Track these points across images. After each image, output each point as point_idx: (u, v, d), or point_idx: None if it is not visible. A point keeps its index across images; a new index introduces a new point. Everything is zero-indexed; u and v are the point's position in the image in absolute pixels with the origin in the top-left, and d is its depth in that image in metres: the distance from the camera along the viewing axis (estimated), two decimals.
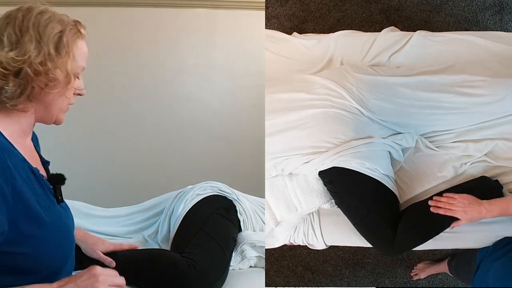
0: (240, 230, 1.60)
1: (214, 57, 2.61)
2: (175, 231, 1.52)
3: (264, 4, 2.25)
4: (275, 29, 1.86)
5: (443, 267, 1.90)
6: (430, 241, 1.38)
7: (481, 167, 1.44)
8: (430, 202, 1.34)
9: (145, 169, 2.63)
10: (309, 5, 2.19)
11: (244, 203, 1.64)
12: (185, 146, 2.63)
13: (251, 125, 2.54)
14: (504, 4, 2.10)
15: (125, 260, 1.30)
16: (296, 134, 1.43)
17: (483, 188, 1.35)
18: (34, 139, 1.05)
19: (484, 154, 1.44)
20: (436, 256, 1.99)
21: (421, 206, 1.40)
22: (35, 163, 0.92)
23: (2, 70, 0.84)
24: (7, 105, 0.85)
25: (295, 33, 1.74)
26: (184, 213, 1.52)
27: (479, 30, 2.06)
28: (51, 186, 0.93)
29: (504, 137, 1.44)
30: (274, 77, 1.62)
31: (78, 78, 0.96)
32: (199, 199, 1.56)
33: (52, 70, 0.87)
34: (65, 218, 0.94)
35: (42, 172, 0.94)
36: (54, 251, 0.87)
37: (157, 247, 1.57)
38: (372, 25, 2.14)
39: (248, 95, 2.58)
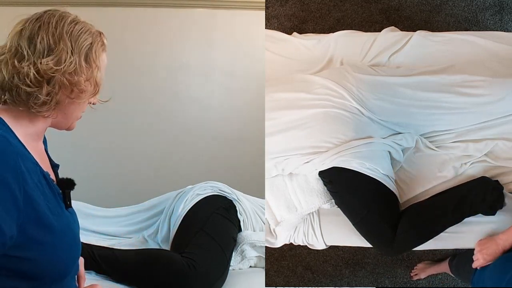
0: (240, 230, 1.60)
1: (214, 57, 2.61)
2: (175, 231, 1.52)
3: (264, 4, 2.25)
4: (275, 29, 1.86)
5: (443, 267, 1.90)
6: (430, 241, 1.38)
7: (481, 167, 1.44)
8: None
9: (145, 169, 2.64)
10: (309, 5, 2.19)
11: (244, 203, 1.64)
12: (185, 146, 2.63)
13: (251, 125, 2.54)
14: (504, 4, 2.10)
15: (125, 260, 1.30)
16: (296, 134, 1.43)
17: (483, 188, 1.35)
18: (44, 142, 1.04)
19: (484, 154, 1.44)
20: (436, 256, 1.99)
21: (421, 206, 1.40)
22: (46, 167, 0.91)
23: (38, 76, 0.83)
24: (33, 110, 0.84)
25: (295, 33, 1.74)
26: (184, 213, 1.52)
27: (479, 30, 2.06)
28: (60, 191, 0.92)
29: (504, 137, 1.44)
30: (274, 77, 1.62)
31: None
32: (199, 199, 1.57)
33: (82, 81, 0.88)
34: (72, 224, 0.92)
35: (52, 176, 0.93)
36: (61, 257, 0.86)
37: (157, 247, 1.58)
38: (372, 25, 2.14)
39: (248, 95, 2.58)
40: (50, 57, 0.84)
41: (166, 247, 1.54)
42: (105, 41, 0.97)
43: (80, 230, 0.98)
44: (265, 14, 2.18)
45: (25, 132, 0.87)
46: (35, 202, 0.79)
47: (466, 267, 1.58)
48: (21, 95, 0.83)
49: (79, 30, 0.90)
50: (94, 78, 0.91)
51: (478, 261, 1.32)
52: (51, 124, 0.94)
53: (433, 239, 1.37)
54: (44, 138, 1.03)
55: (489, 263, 1.30)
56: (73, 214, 0.95)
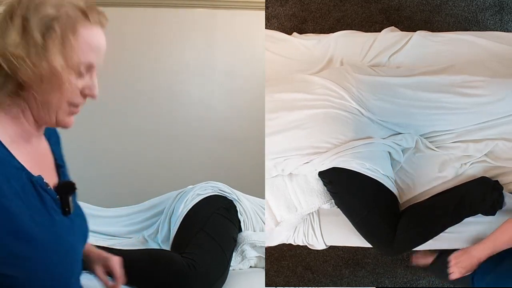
0: (240, 230, 1.60)
1: (214, 57, 2.61)
2: (175, 231, 1.52)
3: (264, 4, 2.25)
4: (275, 29, 1.86)
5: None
6: (429, 241, 1.38)
7: (481, 167, 1.44)
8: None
9: (145, 169, 2.63)
10: (309, 5, 2.19)
11: (245, 203, 1.64)
12: (185, 146, 2.63)
13: (251, 125, 2.54)
14: (504, 4, 2.10)
15: (125, 260, 1.30)
16: (296, 134, 1.43)
17: (483, 189, 1.35)
18: (54, 140, 0.94)
19: (484, 154, 1.43)
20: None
21: (421, 207, 1.40)
22: (41, 169, 0.81)
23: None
24: None
25: (295, 33, 1.74)
26: (185, 213, 1.52)
27: (479, 30, 2.06)
28: (57, 196, 0.82)
29: (504, 137, 1.44)
30: (274, 77, 1.62)
31: (84, 75, 0.80)
32: (200, 199, 1.57)
33: (36, 62, 0.72)
34: (67, 234, 0.81)
35: (50, 179, 0.82)
36: (50, 273, 0.76)
37: (157, 247, 1.58)
38: (372, 25, 2.14)
39: (248, 95, 2.58)
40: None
41: (166, 247, 1.54)
42: (95, 17, 0.81)
43: None
44: (265, 14, 2.18)
45: (11, 130, 0.76)
46: (12, 213, 0.69)
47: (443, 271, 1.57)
48: None
49: (38, 2, 0.74)
50: (51, 61, 0.73)
51: (454, 274, 1.33)
52: (40, 119, 0.80)
53: (432, 239, 1.37)
54: (56, 136, 0.97)
55: (465, 275, 1.32)
56: (74, 222, 0.85)
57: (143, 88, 2.59)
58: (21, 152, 0.77)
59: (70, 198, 0.85)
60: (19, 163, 0.75)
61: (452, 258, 1.35)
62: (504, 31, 2.00)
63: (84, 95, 0.80)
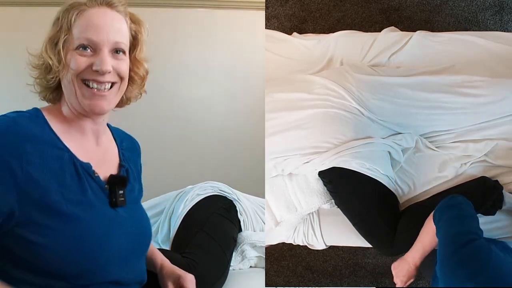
0: (240, 230, 1.60)
1: (214, 57, 2.61)
2: (175, 231, 1.52)
3: (264, 4, 2.25)
4: (275, 29, 1.86)
5: None
6: None
7: (481, 167, 1.44)
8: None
9: (144, 169, 2.63)
10: (309, 5, 2.19)
11: (244, 203, 1.64)
12: (185, 146, 2.63)
13: (251, 125, 2.54)
14: (504, 4, 2.10)
15: None
16: (296, 134, 1.43)
17: (483, 188, 1.35)
18: (127, 145, 1.05)
19: (484, 154, 1.44)
20: (434, 256, 1.99)
21: (421, 206, 1.40)
22: (95, 160, 0.89)
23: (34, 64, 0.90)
24: (41, 98, 0.92)
25: (295, 33, 1.75)
26: (185, 213, 1.52)
27: (479, 30, 2.06)
28: (106, 186, 0.89)
29: (504, 137, 1.44)
30: (274, 77, 1.62)
31: (90, 52, 0.87)
32: (199, 199, 1.56)
33: (50, 54, 0.87)
34: (106, 224, 0.85)
35: (104, 171, 0.90)
36: (77, 249, 0.79)
37: (157, 247, 1.57)
38: (372, 25, 2.14)
39: (248, 95, 2.58)
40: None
41: (166, 247, 1.54)
42: (91, 2, 0.88)
43: None
44: (265, 14, 2.18)
45: (69, 128, 0.88)
46: (39, 184, 0.77)
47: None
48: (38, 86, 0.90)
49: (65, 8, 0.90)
50: (47, 39, 0.87)
51: (397, 284, 1.34)
52: (75, 110, 0.89)
53: None
54: (132, 144, 1.10)
55: (408, 283, 1.33)
56: (121, 217, 0.89)
57: None
58: (74, 141, 0.86)
59: (120, 192, 0.90)
60: (64, 145, 0.84)
61: (393, 269, 1.36)
62: (504, 31, 2.00)
63: (95, 71, 0.86)
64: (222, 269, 1.39)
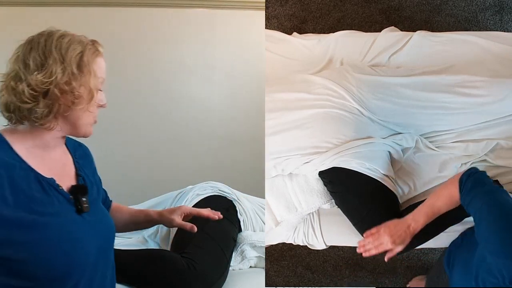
0: (240, 230, 1.60)
1: (214, 57, 2.61)
2: (175, 231, 1.52)
3: (264, 4, 2.25)
4: (275, 29, 1.86)
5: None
6: (429, 240, 1.38)
7: (481, 167, 1.44)
8: (358, 250, 1.28)
9: (145, 169, 2.63)
10: (309, 5, 2.19)
11: (244, 203, 1.64)
12: (185, 146, 2.63)
13: (251, 125, 2.54)
14: (504, 4, 2.10)
15: (125, 260, 1.30)
16: (297, 134, 1.43)
17: None
18: (80, 154, 1.11)
19: (484, 154, 1.44)
20: (436, 255, 1.99)
21: None
22: (57, 174, 0.96)
23: (32, 92, 0.90)
24: (36, 124, 0.92)
25: (295, 33, 1.75)
26: None
27: (479, 30, 2.06)
28: (71, 196, 0.97)
29: (504, 137, 1.44)
30: (274, 77, 1.62)
31: (100, 91, 1.01)
32: (199, 200, 1.56)
33: (77, 88, 0.93)
34: (76, 230, 0.94)
35: (66, 182, 0.98)
36: (56, 257, 0.88)
37: (157, 247, 1.57)
38: (372, 25, 2.14)
39: (248, 95, 2.58)
40: (42, 73, 0.91)
41: (166, 247, 1.54)
42: (99, 48, 1.01)
43: None
44: (265, 14, 2.18)
45: (30, 142, 0.94)
46: (11, 204, 0.84)
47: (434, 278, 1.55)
48: (23, 111, 0.91)
49: (68, 42, 0.95)
50: (87, 83, 0.96)
51: (387, 245, 1.23)
52: (65, 133, 0.99)
53: (432, 238, 1.37)
54: (82, 150, 1.14)
55: (397, 249, 1.24)
56: (88, 222, 0.97)
57: (142, 88, 2.59)
58: (35, 159, 0.93)
59: (84, 199, 0.99)
60: (28, 165, 0.91)
61: (386, 226, 1.25)
62: (504, 31, 2.00)
63: (98, 107, 1.02)
64: (221, 269, 1.39)
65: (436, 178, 1.44)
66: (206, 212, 1.29)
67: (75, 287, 0.92)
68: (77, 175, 1.05)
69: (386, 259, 1.28)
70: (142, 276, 1.29)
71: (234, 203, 1.62)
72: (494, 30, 2.07)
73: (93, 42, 1.01)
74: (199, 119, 2.63)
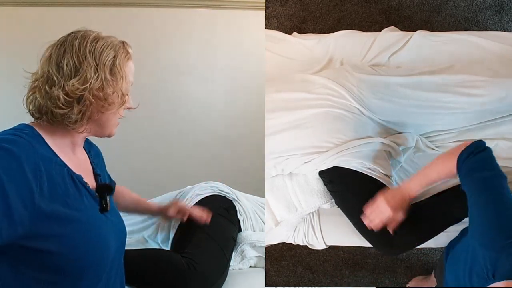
0: (240, 230, 1.60)
1: (214, 57, 2.61)
2: (175, 231, 1.52)
3: (264, 4, 2.25)
4: (275, 29, 1.86)
5: (432, 282, 1.86)
6: (429, 240, 1.38)
7: None
8: (365, 223, 1.30)
9: (145, 169, 2.63)
10: (309, 5, 2.19)
11: (244, 203, 1.64)
12: (185, 146, 2.63)
13: (251, 125, 2.54)
14: (504, 4, 2.10)
15: (125, 260, 1.30)
16: (297, 133, 1.43)
17: None
18: (94, 153, 1.13)
19: None
20: (436, 255, 1.99)
21: (421, 206, 1.40)
22: (82, 171, 0.97)
23: (67, 98, 0.90)
24: (68, 128, 0.93)
25: (295, 33, 1.75)
26: None
27: (479, 30, 2.06)
28: (97, 195, 0.98)
29: (504, 137, 1.44)
30: (274, 77, 1.62)
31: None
32: (199, 199, 1.56)
33: (109, 93, 0.95)
34: (100, 227, 0.95)
35: (89, 181, 0.99)
36: (83, 251, 0.89)
37: (157, 247, 1.57)
38: (372, 25, 2.14)
39: (248, 95, 2.58)
40: (76, 78, 0.90)
41: (166, 247, 1.54)
42: (129, 50, 1.03)
43: None
44: (265, 14, 2.18)
45: (60, 143, 0.94)
46: (48, 197, 0.84)
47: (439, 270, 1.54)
48: (56, 116, 0.91)
49: (101, 47, 0.95)
50: (120, 88, 0.97)
51: (387, 212, 1.23)
52: (90, 134, 1.01)
53: (432, 238, 1.37)
54: (97, 151, 1.17)
55: (399, 214, 1.25)
56: (109, 220, 0.99)
57: (142, 88, 2.59)
58: (65, 155, 0.94)
59: (108, 198, 1.00)
60: (62, 161, 0.91)
61: (381, 195, 1.27)
62: (504, 31, 2.00)
63: (127, 108, 1.04)
64: (221, 269, 1.39)
65: None
66: (196, 214, 1.34)
67: (96, 285, 0.93)
68: (95, 174, 1.06)
69: (390, 231, 1.29)
70: (142, 276, 1.29)
71: (234, 203, 1.62)
72: (494, 30, 2.07)
73: (124, 44, 1.02)
74: (199, 119, 2.63)
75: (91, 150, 1.12)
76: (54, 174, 0.87)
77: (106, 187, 1.02)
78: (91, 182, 1.01)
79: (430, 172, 1.23)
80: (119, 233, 1.03)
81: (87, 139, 1.10)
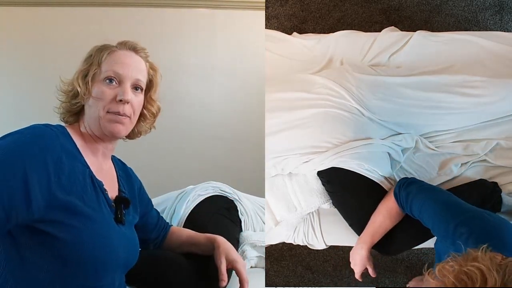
0: (241, 230, 1.60)
1: (214, 57, 2.61)
2: None
3: (264, 4, 2.25)
4: (275, 29, 1.86)
5: None
6: (428, 240, 1.38)
7: (481, 167, 1.44)
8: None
9: (145, 169, 2.62)
10: (309, 5, 2.19)
11: (245, 203, 1.64)
12: (185, 146, 2.63)
13: (251, 125, 2.54)
14: (504, 4, 2.10)
15: None
16: (296, 133, 1.43)
17: (482, 191, 1.34)
18: (124, 173, 1.18)
19: (484, 154, 1.44)
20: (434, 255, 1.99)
21: None
22: (103, 179, 1.00)
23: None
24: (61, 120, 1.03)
25: (295, 33, 1.75)
26: (187, 215, 1.52)
27: (479, 30, 2.06)
28: (113, 204, 1.02)
29: (504, 137, 1.44)
30: (274, 77, 1.62)
31: (115, 85, 1.03)
32: (201, 200, 1.56)
33: (76, 84, 1.01)
34: (111, 230, 0.97)
35: (109, 191, 1.02)
36: (89, 246, 0.91)
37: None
38: (372, 25, 2.14)
39: (248, 95, 2.58)
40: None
41: None
42: (121, 45, 1.12)
43: None
44: (265, 14, 2.18)
45: (88, 146, 1.01)
46: (66, 190, 0.87)
47: None
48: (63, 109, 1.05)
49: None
50: (77, 77, 1.03)
51: (355, 273, 1.43)
52: (96, 132, 1.02)
53: (431, 239, 1.37)
54: (129, 174, 1.22)
55: (363, 268, 1.41)
56: (122, 230, 1.01)
57: None
58: (90, 159, 0.99)
59: (123, 211, 1.04)
60: (85, 161, 0.96)
61: (351, 255, 1.41)
62: (504, 31, 2.00)
63: (119, 101, 1.01)
64: None
65: (435, 178, 1.44)
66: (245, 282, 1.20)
67: (96, 284, 0.95)
68: (120, 191, 1.09)
69: (360, 280, 1.45)
70: (145, 276, 1.29)
71: (235, 203, 1.62)
72: (494, 30, 2.07)
73: (117, 44, 1.13)
74: (199, 118, 2.63)
75: (121, 169, 1.18)
76: (76, 170, 0.91)
77: (123, 199, 1.06)
78: (111, 192, 1.04)
79: (375, 219, 1.33)
80: (131, 246, 1.06)
81: (121, 161, 1.20)
